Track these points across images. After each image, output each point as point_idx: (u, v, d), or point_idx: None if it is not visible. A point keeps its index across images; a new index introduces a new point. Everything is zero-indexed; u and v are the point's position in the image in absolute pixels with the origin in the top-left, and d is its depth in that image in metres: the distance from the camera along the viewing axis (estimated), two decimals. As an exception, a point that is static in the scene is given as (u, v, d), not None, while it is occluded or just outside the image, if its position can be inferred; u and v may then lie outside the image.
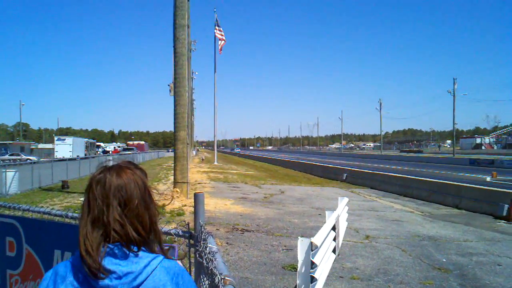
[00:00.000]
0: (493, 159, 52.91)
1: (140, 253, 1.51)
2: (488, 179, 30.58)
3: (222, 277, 1.64)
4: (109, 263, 1.46)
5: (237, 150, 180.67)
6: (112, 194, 1.54)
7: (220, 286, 1.58)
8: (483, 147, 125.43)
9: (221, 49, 49.05)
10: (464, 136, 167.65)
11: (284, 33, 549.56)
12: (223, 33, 48.67)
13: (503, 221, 14.78)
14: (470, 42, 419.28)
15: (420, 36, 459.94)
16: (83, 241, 1.48)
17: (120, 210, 1.53)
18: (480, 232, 12.78)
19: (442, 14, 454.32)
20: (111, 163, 1.66)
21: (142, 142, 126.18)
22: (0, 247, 3.68)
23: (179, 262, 1.71)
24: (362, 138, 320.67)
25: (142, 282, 1.46)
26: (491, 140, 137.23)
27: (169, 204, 14.87)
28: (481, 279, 7.85)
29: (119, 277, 1.45)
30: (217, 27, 48.47)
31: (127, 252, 1.49)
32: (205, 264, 2.04)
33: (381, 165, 50.78)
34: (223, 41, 48.57)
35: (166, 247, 1.78)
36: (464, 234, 12.31)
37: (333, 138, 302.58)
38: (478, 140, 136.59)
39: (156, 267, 1.51)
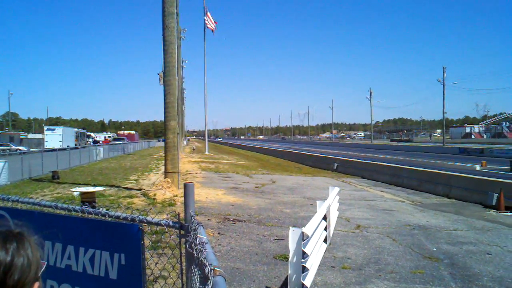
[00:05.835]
0: (482, 148, 53.27)
1: None
2: (478, 168, 30.85)
3: (212, 268, 1.62)
4: None
5: (219, 139, 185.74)
6: None
7: (210, 277, 1.56)
8: (472, 136, 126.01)
9: (213, 31, 48.56)
10: (454, 125, 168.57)
11: (275, 22, 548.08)
12: (212, 20, 48.28)
13: (493, 210, 14.93)
14: (460, 31, 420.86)
15: (411, 25, 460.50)
16: None
17: None
18: (470, 221, 12.89)
19: (431, 2, 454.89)
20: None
21: (133, 132, 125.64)
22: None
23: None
24: (353, 127, 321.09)
25: None
26: (481, 129, 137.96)
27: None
28: (471, 267, 7.93)
29: None
30: (207, 15, 48.04)
31: None
32: (195, 254, 2.02)
33: (372, 155, 50.93)
34: (213, 27, 48.13)
35: None
36: (454, 223, 12.41)
37: (324, 128, 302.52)
38: (468, 129, 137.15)
39: None
